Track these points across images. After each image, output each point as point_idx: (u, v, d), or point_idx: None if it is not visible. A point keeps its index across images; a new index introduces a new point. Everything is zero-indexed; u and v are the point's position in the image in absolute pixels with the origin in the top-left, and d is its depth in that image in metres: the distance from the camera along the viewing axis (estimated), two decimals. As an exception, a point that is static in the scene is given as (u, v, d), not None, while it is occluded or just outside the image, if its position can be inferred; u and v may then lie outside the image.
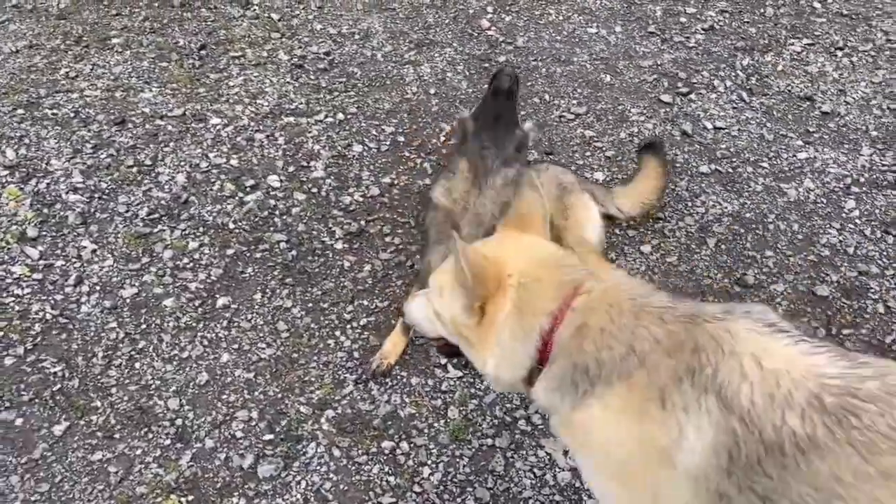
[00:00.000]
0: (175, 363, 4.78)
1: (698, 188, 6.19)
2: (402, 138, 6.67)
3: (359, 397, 4.57)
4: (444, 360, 4.75)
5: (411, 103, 7.09)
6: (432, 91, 7.27)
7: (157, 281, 5.30)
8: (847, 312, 5.14)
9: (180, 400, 4.55)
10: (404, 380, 4.68)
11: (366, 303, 5.20)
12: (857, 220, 5.87)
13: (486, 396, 4.56)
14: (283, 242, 5.63)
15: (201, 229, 5.70)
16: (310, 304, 5.17)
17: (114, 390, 4.60)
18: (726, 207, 5.99)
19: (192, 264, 5.43)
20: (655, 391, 2.12)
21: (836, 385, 1.97)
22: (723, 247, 5.66)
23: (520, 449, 4.30)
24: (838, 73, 7.64)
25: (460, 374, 4.70)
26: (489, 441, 4.33)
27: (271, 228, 5.74)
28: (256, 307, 5.15)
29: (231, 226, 5.74)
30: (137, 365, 4.76)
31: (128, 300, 5.16)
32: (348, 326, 5.04)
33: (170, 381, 4.67)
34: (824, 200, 6.06)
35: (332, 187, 6.14)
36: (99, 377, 4.67)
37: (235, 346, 4.90)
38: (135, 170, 6.20)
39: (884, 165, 6.44)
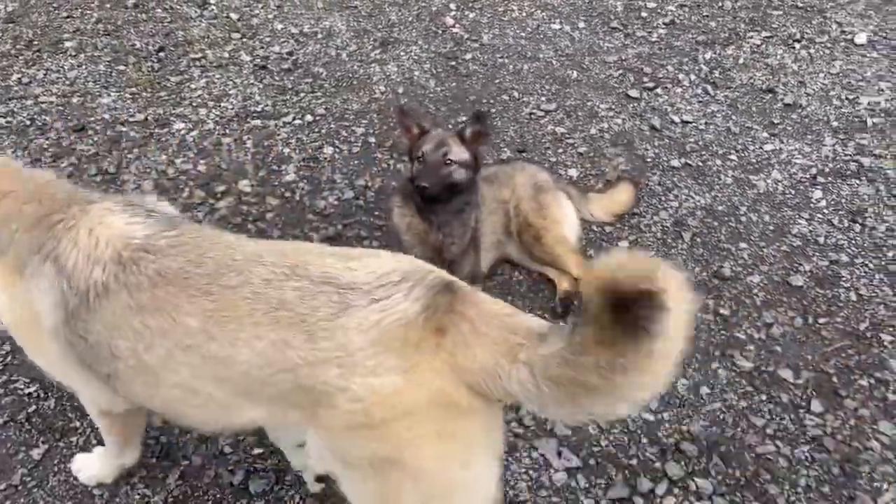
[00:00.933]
0: (155, 378, 4.64)
1: (670, 182, 6.25)
2: (372, 139, 6.60)
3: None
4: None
5: (380, 103, 7.02)
6: (401, 90, 7.20)
7: (130, 293, 5.13)
8: (821, 301, 5.25)
9: (163, 416, 4.42)
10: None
11: (348, 309, 5.12)
12: (825, 210, 6.00)
13: (476, 399, 4.53)
14: (258, 249, 5.49)
15: (173, 238, 5.54)
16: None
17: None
18: (699, 201, 6.07)
19: (165, 275, 5.28)
20: (18, 263, 2.57)
21: (137, 243, 2.50)
22: (698, 240, 5.73)
23: (513, 451, 4.28)
24: (797, 64, 7.79)
25: (449, 377, 4.66)
26: (483, 445, 4.30)
27: (245, 235, 5.59)
28: (236, 317, 5.03)
29: (204, 234, 5.59)
30: (116, 382, 4.60)
31: (101, 315, 4.99)
32: (332, 333, 4.94)
33: (151, 397, 4.53)
34: (792, 191, 6.18)
35: (305, 191, 6.03)
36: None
37: (217, 358, 4.77)
38: (98, 178, 6.00)
39: (846, 155, 6.59)
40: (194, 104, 6.85)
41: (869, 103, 7.22)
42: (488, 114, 4.66)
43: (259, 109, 6.85)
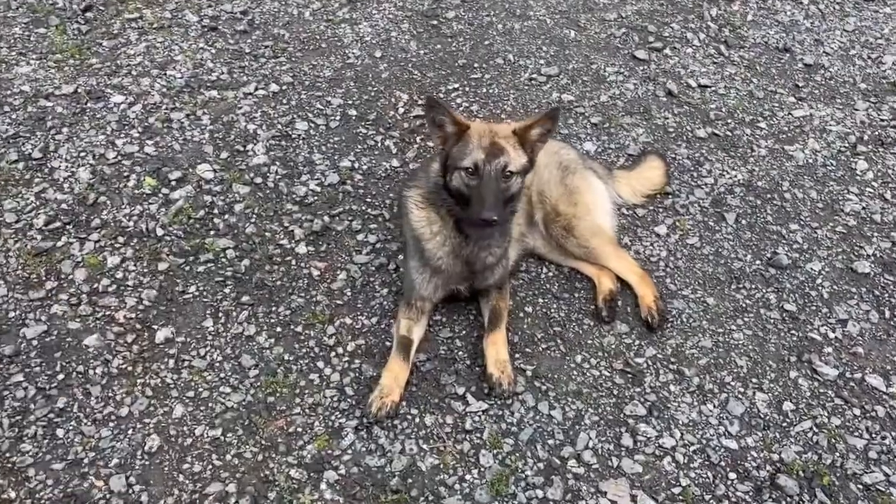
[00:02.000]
0: (112, 425, 3.62)
1: (700, 155, 5.47)
2: (353, 111, 5.59)
3: (364, 449, 3.58)
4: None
5: (356, 69, 6.00)
6: (378, 54, 6.19)
7: (70, 312, 4.07)
8: (894, 290, 4.55)
9: (126, 477, 3.42)
10: (416, 420, 3.73)
11: (349, 321, 4.17)
12: (874, 184, 5.32)
13: (522, 432, 3.68)
14: (230, 250, 4.49)
15: (121, 239, 4.47)
16: (278, 329, 4.09)
17: (32, 472, 3.41)
18: (735, 176, 5.30)
19: (115, 286, 4.22)
20: None
21: None
22: (743, 222, 4.96)
23: (577, 499, 3.44)
24: (809, 21, 7.10)
25: (483, 404, 3.78)
26: (539, 493, 3.46)
27: (212, 232, 4.57)
28: (210, 338, 4.03)
29: (160, 232, 4.53)
30: (60, 433, 3.57)
31: (34, 342, 3.91)
32: (332, 354, 4.00)
33: (108, 451, 3.52)
34: (833, 163, 5.48)
35: (279, 176, 5.01)
36: (8, 455, 3.46)
37: (190, 393, 3.78)
38: (21, 166, 4.85)
39: (882, 121, 5.93)
40: (134, 73, 5.70)
41: (893, 63, 6.56)
42: (559, 110, 3.77)
43: (213, 78, 5.75)
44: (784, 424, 3.81)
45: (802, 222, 4.99)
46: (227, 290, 4.27)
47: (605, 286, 4.35)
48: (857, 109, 6.02)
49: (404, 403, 3.77)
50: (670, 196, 5.12)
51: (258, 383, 3.82)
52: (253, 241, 4.55)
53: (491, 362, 3.85)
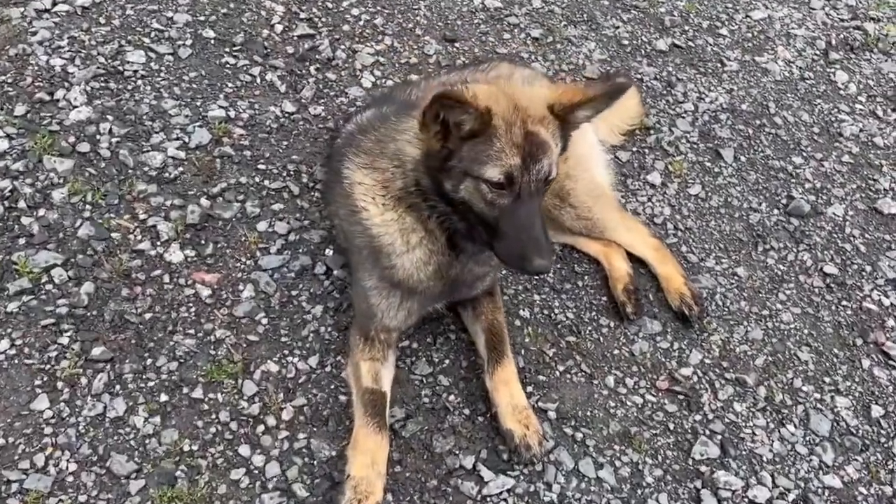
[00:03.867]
0: None
1: (667, 74, 4.36)
2: (210, 32, 3.91)
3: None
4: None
5: (203, -29, 4.23)
6: (227, -51, 4.42)
7: None
8: (928, 233, 3.77)
9: None
10: (414, 520, 2.42)
11: (273, 367, 2.74)
12: (861, 99, 4.50)
13: (567, 514, 2.50)
14: (58, 268, 2.84)
15: None
16: (163, 398, 2.60)
17: None
18: (715, 99, 4.27)
19: None
20: None
21: None
22: (742, 158, 3.96)
23: None
24: None
25: (506, 479, 2.54)
26: None
27: (21, 242, 2.88)
28: (47, 430, 2.44)
29: (-72, 252, 2.77)
30: None
31: None
32: (260, 430, 2.59)
33: None
34: (811, 75, 4.59)
35: (118, 138, 3.32)
36: None
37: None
38: None
39: (843, 21, 5.10)
40: None
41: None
42: (630, 85, 2.39)
43: (-17, -11, 3.79)
44: (882, 439, 2.90)
45: (805, 154, 4.07)
46: (63, 340, 2.66)
47: (620, 270, 3.19)
48: (813, 8, 5.15)
49: (389, 497, 2.44)
50: (652, 131, 3.99)
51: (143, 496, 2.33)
52: (93, 249, 2.91)
53: (506, 413, 2.61)
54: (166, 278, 2.91)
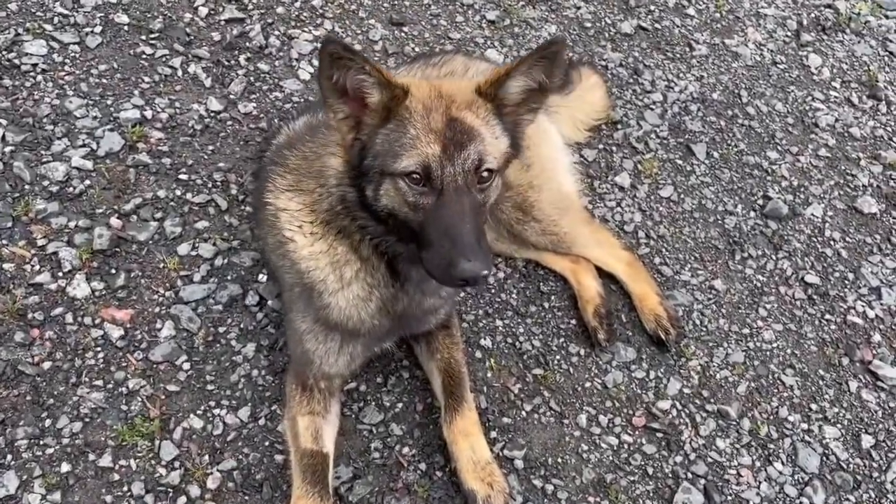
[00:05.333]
0: None
1: (633, 60, 4.03)
2: (123, 17, 3.44)
3: None
4: None
5: (113, -56, 3.72)
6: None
7: None
8: (909, 234, 3.55)
9: None
10: None
11: (197, 423, 2.36)
12: (835, 85, 4.23)
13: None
14: (-63, 314, 2.39)
15: None
16: (63, 468, 2.20)
17: None
18: (685, 87, 3.96)
19: None
20: None
21: None
22: (715, 155, 3.67)
23: None
24: None
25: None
26: None
27: None
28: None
29: None
30: None
31: None
32: (181, 501, 2.20)
33: None
34: (783, 59, 4.31)
35: (12, 146, 2.86)
36: None
37: None
38: None
39: (810, -1, 4.81)
40: None
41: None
42: (564, 43, 1.97)
43: None
44: (874, 473, 2.66)
45: (780, 147, 3.80)
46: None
47: (590, 290, 2.88)
48: (779, -15, 4.83)
49: (338, 577, 2.11)
50: (619, 126, 3.66)
51: None
52: (-22, 286, 2.47)
53: (467, 469, 2.30)
54: (69, 318, 2.50)
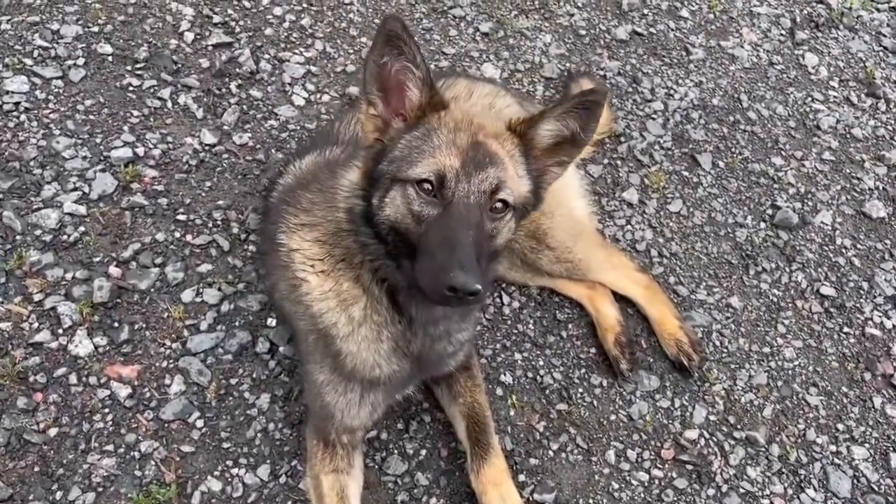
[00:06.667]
0: None
1: (631, 67, 3.95)
2: (106, 46, 3.30)
3: None
4: None
5: (91, -31, 3.57)
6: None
7: None
8: (918, 238, 3.51)
9: None
10: None
11: (216, 486, 2.26)
12: (833, 84, 4.19)
13: None
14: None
15: None
16: (82, 544, 2.08)
17: None
18: (685, 94, 3.89)
19: None
20: None
21: None
22: (721, 164, 3.61)
23: None
24: None
25: None
26: None
27: None
28: None
29: None
30: None
31: None
32: (207, 571, 2.10)
33: None
34: (780, 59, 4.25)
35: (2, 194, 2.73)
36: None
37: None
38: None
39: (803, -6, 4.76)
40: None
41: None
42: (605, 94, 1.90)
43: None
44: (907, 499, 2.62)
45: (784, 153, 3.74)
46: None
47: (609, 318, 2.80)
48: (771, -19, 4.77)
49: None
50: (623, 138, 3.58)
51: None
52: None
53: (499, 521, 2.20)
54: (73, 378, 2.38)
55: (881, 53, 4.47)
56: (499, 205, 1.84)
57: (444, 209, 1.77)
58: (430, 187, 1.79)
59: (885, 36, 4.55)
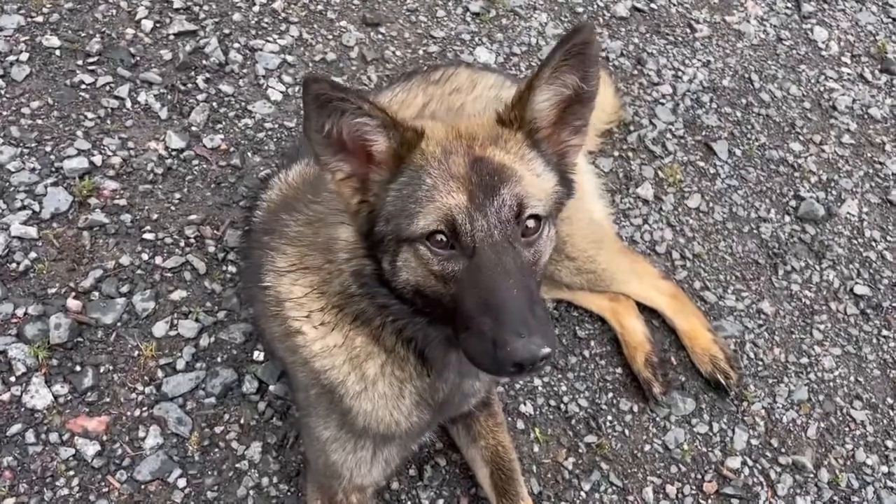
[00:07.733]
0: None
1: (635, 48, 3.65)
2: (53, 39, 2.91)
3: None
4: None
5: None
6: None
7: None
8: (948, 226, 3.28)
9: None
10: None
11: (206, 559, 1.93)
12: (846, 61, 3.94)
13: None
14: None
15: None
16: None
17: None
18: (694, 76, 3.61)
19: None
20: None
21: None
22: (738, 153, 3.34)
23: None
24: None
25: None
26: None
27: None
28: None
29: None
30: None
31: None
32: None
33: None
34: (788, 34, 3.99)
35: (-66, 221, 2.35)
36: None
37: None
38: None
39: (806, -37, 4.47)
40: None
41: None
42: (592, 30, 1.53)
43: None
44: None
45: (802, 137, 3.49)
46: None
47: (637, 335, 2.52)
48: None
49: None
50: (632, 127, 3.29)
51: None
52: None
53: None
54: (30, 436, 2.03)
55: (890, 25, 4.22)
56: (530, 223, 1.52)
57: (469, 260, 1.44)
58: (444, 238, 1.46)
59: (892, 6, 4.29)
